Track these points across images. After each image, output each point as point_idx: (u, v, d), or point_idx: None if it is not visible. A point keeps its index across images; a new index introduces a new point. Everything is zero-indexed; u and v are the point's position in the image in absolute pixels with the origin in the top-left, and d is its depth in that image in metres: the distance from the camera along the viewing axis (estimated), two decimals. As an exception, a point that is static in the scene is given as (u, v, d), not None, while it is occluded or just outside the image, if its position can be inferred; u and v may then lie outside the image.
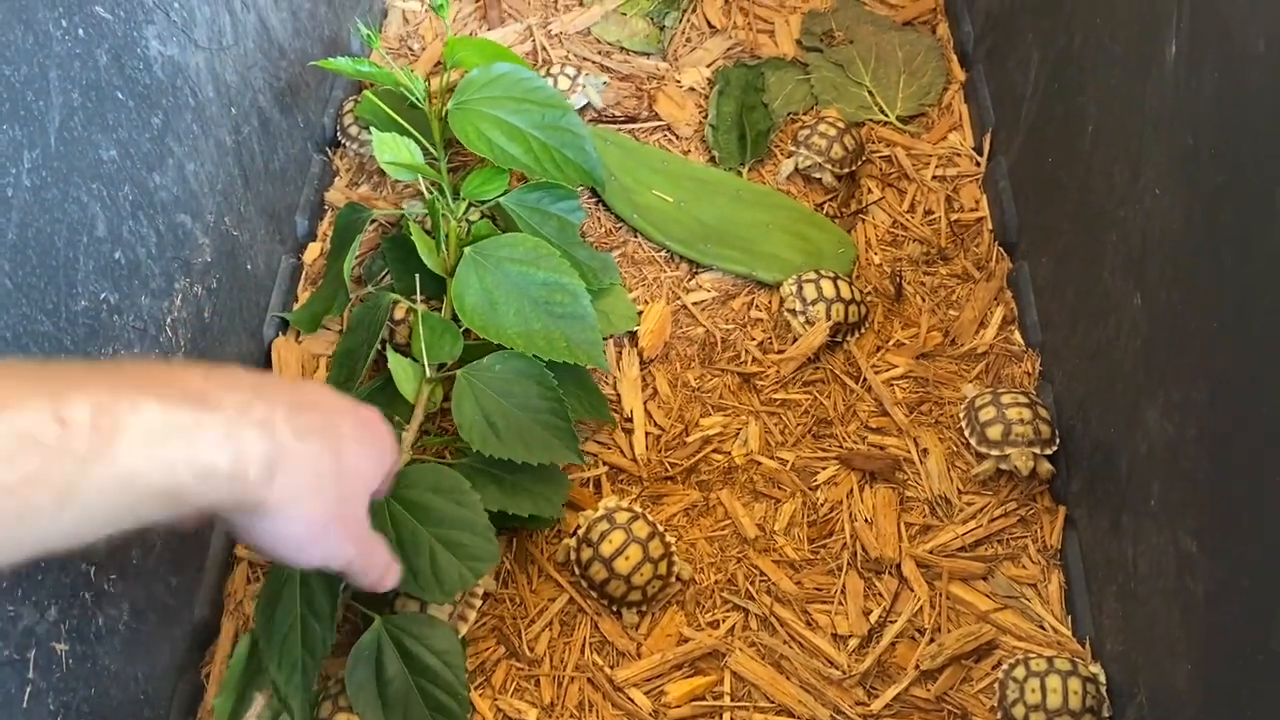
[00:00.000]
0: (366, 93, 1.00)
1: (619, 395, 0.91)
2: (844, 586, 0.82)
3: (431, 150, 0.94)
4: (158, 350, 0.75)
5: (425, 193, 0.93)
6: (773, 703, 0.77)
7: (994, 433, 0.83)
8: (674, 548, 0.81)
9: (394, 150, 0.89)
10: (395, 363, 0.82)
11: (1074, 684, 0.73)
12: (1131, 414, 0.73)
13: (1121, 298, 0.76)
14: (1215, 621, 0.62)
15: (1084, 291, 0.84)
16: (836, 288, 0.92)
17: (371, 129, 0.93)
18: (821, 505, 0.85)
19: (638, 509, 0.81)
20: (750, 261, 0.98)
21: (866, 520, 0.84)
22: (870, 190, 1.04)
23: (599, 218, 1.03)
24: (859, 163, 1.04)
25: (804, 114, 1.10)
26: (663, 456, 0.88)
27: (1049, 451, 0.83)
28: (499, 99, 0.93)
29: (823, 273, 0.94)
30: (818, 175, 1.04)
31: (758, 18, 1.19)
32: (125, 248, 0.71)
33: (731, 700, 0.77)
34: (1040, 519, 0.84)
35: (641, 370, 0.93)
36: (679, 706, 0.77)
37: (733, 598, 0.81)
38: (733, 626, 0.80)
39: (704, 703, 0.77)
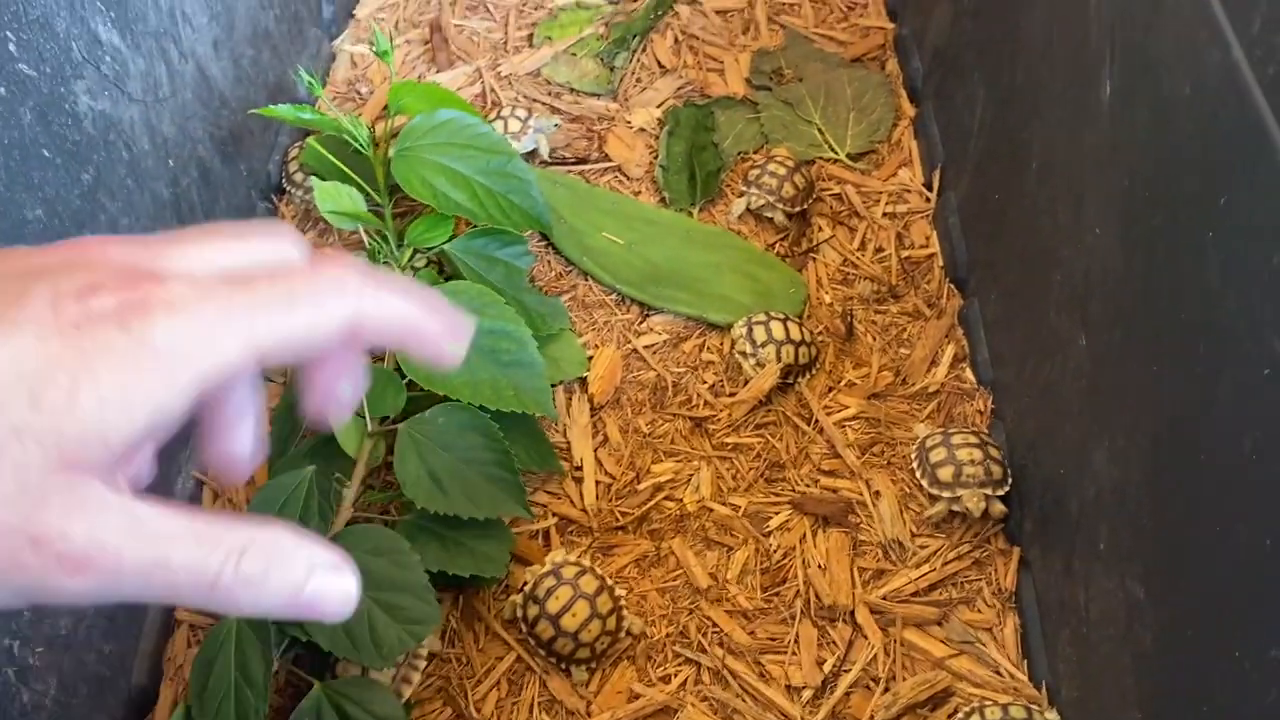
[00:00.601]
0: (310, 140, 0.99)
1: (569, 443, 0.90)
2: (797, 635, 0.80)
3: (376, 197, 0.92)
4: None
5: (368, 241, 0.92)
6: (726, 758, 0.75)
7: (945, 474, 0.83)
8: (623, 602, 0.79)
9: (335, 199, 0.88)
10: (337, 417, 0.81)
11: (1030, 732, 0.72)
12: (1080, 456, 0.73)
13: (1068, 337, 0.76)
14: (1163, 669, 0.61)
15: (1032, 330, 0.83)
16: (786, 329, 0.91)
17: (313, 178, 0.91)
18: (774, 552, 0.84)
19: (586, 563, 0.80)
20: (701, 304, 0.97)
21: (820, 566, 0.83)
22: (821, 228, 1.04)
23: (549, 261, 1.02)
24: (809, 201, 1.04)
25: (754, 153, 1.10)
26: (613, 505, 0.87)
27: (1000, 492, 0.82)
28: (443, 145, 0.92)
29: (773, 314, 0.93)
30: (769, 214, 1.03)
31: (707, 56, 1.19)
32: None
33: (684, 757, 0.75)
34: (994, 561, 0.83)
35: (592, 416, 0.91)
36: (630, 765, 0.75)
37: (685, 651, 0.80)
38: (684, 681, 0.78)
39: (656, 760, 0.75)
